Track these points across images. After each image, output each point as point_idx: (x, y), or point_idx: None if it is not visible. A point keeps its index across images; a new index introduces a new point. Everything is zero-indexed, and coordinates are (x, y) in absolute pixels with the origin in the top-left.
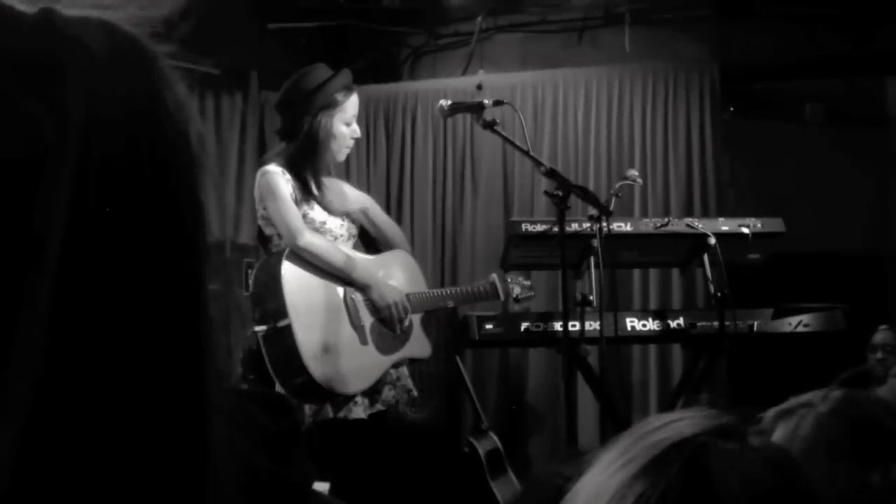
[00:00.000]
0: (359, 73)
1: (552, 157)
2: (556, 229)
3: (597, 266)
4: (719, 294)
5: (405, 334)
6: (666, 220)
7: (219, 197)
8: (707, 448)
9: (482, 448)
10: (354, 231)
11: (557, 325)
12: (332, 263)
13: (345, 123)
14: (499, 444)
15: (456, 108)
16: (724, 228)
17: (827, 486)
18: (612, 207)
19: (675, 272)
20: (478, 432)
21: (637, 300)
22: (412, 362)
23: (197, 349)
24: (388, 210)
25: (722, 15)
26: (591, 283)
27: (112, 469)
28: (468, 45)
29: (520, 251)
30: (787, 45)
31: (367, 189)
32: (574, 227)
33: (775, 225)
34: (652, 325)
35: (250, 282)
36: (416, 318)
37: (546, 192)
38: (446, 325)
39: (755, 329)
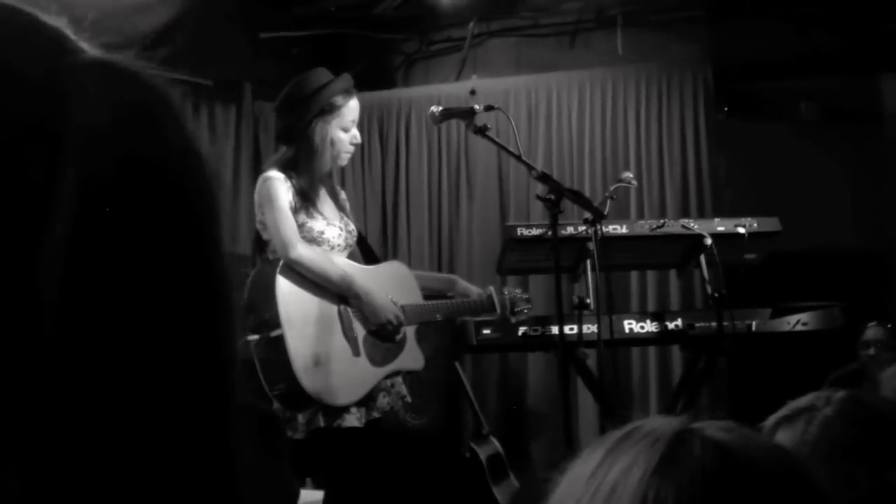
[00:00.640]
0: (356, 81)
1: (547, 161)
2: (551, 233)
3: (593, 269)
4: (716, 294)
5: (398, 346)
6: (661, 221)
7: None
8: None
9: (483, 453)
10: (352, 241)
11: (555, 329)
12: (326, 277)
13: (342, 129)
14: (500, 449)
15: (447, 115)
16: (720, 229)
17: (842, 490)
18: (607, 210)
19: (673, 274)
20: (479, 437)
21: (635, 302)
22: (404, 374)
23: (220, 381)
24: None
25: (714, 15)
26: (588, 286)
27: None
28: (461, 51)
29: (516, 255)
30: (779, 43)
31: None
32: (570, 230)
33: (771, 224)
34: (650, 326)
35: (245, 289)
36: (410, 330)
37: (538, 197)
38: (445, 331)
39: (753, 329)
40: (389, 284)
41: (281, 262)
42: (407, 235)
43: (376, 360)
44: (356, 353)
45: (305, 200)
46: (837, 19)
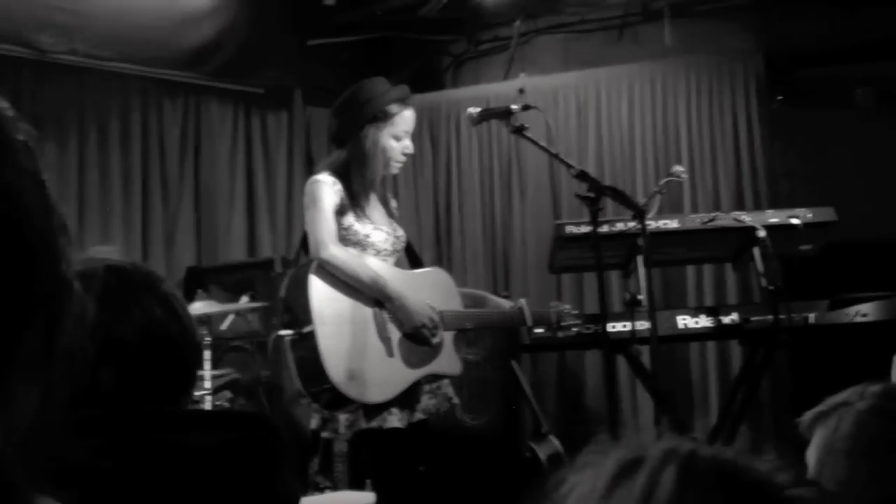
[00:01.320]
0: (402, 84)
1: (598, 157)
2: (600, 230)
3: (644, 265)
4: (772, 287)
5: (435, 350)
6: (713, 215)
7: (270, 213)
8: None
9: (543, 453)
10: (400, 246)
11: (608, 327)
12: (357, 278)
13: (394, 137)
14: (560, 449)
15: (484, 116)
16: (773, 220)
17: (870, 485)
18: (656, 205)
19: (730, 268)
20: (538, 437)
21: (692, 297)
22: (441, 379)
23: None
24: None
25: (763, 2)
26: (640, 282)
27: None
28: (509, 50)
29: (566, 253)
30: (832, 29)
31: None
32: (619, 226)
33: (826, 214)
34: (704, 321)
35: (282, 288)
36: (448, 335)
37: (577, 195)
38: (500, 331)
39: (811, 321)
40: (428, 290)
41: (315, 263)
42: (460, 236)
43: (412, 362)
44: (390, 353)
45: (354, 204)
46: (891, 2)
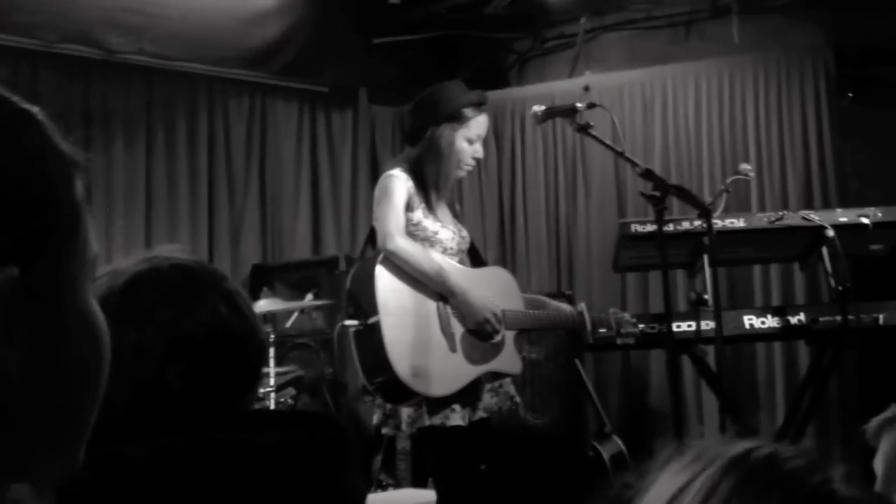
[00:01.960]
0: (467, 82)
1: (664, 155)
2: (665, 229)
3: (710, 264)
4: (841, 287)
5: (496, 348)
6: (780, 213)
7: (335, 212)
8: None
9: (606, 452)
10: (465, 246)
11: (673, 326)
12: (421, 270)
13: (467, 140)
14: (623, 448)
15: (549, 114)
16: (843, 219)
17: None
18: (723, 203)
19: (797, 267)
20: (602, 436)
21: (758, 297)
22: (501, 377)
23: None
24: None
25: None
26: (706, 281)
27: None
28: (574, 47)
29: (630, 252)
30: None
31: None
32: (685, 225)
33: None
34: (771, 322)
35: (348, 280)
36: (509, 335)
37: (642, 194)
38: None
39: (881, 322)
40: (491, 288)
41: (381, 254)
42: (525, 235)
43: (473, 359)
44: (453, 348)
45: (424, 201)
46: None
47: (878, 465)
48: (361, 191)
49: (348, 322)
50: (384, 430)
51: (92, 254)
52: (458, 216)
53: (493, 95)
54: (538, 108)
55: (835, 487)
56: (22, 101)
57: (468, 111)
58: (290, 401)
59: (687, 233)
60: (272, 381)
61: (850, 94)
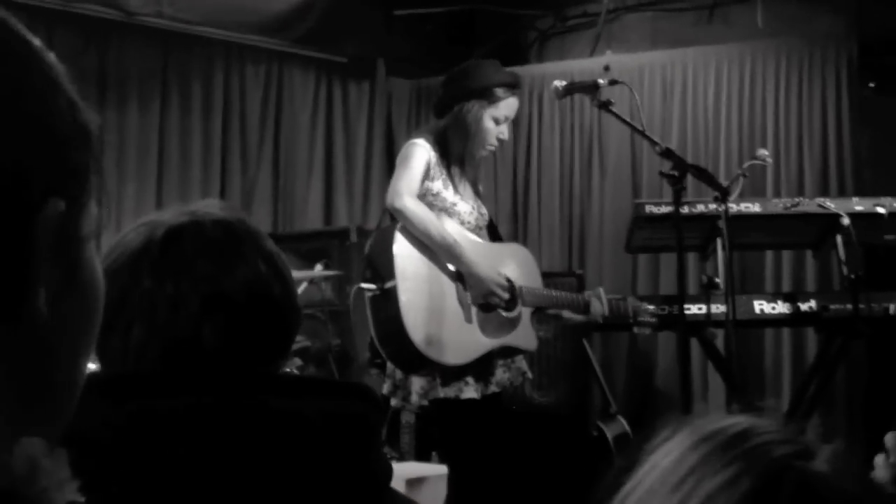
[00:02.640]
0: (486, 58)
1: (682, 138)
2: (680, 210)
3: (723, 248)
4: (853, 276)
5: (512, 323)
6: (796, 200)
7: (347, 183)
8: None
9: (611, 432)
10: (483, 223)
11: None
12: (427, 232)
13: (494, 119)
14: (628, 429)
15: (570, 89)
16: (859, 208)
17: None
18: (740, 187)
19: (810, 254)
20: (606, 416)
21: (769, 283)
22: (516, 353)
23: None
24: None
25: None
26: (718, 265)
27: None
28: (596, 26)
29: (644, 233)
30: None
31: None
32: (700, 208)
33: None
34: (782, 307)
35: (367, 246)
36: (525, 311)
37: (661, 173)
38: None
39: (892, 312)
40: (507, 262)
41: (399, 225)
42: (538, 213)
43: (488, 332)
44: (468, 319)
45: (445, 172)
46: None
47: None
48: (375, 163)
49: (365, 285)
50: (392, 402)
51: (94, 210)
52: (479, 195)
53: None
54: (559, 83)
55: (797, 463)
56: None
57: (499, 91)
58: (295, 371)
59: (701, 215)
60: None
61: (872, 84)
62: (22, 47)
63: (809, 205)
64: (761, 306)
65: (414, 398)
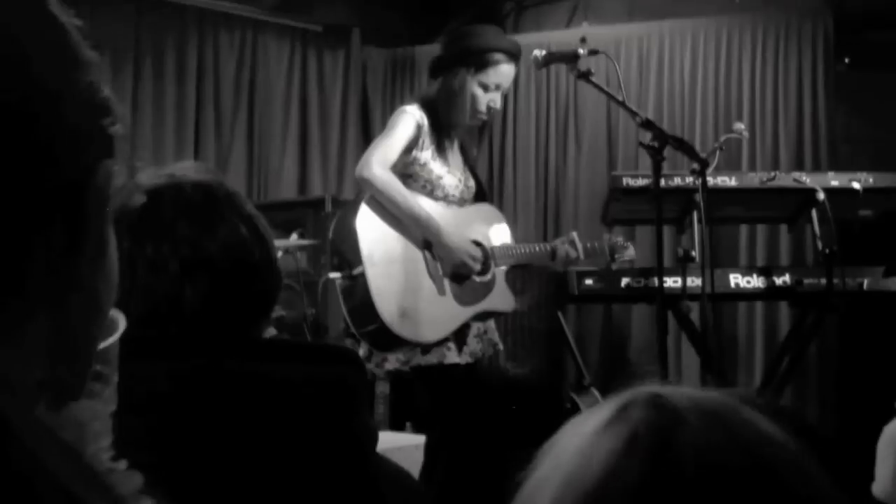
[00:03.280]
0: (461, 27)
1: (658, 111)
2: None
3: (699, 221)
4: (827, 251)
5: (487, 287)
6: (773, 174)
7: (322, 153)
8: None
9: (584, 405)
10: (468, 196)
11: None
12: (394, 202)
13: (482, 86)
14: (601, 401)
15: (550, 59)
16: (834, 183)
17: None
18: (716, 161)
19: (784, 229)
20: (580, 389)
21: (744, 257)
22: (494, 316)
23: None
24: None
25: None
26: (694, 238)
27: None
28: None
29: (621, 206)
30: None
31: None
32: (676, 181)
33: (888, 180)
34: (756, 282)
35: (330, 230)
36: (499, 272)
37: (641, 144)
38: (548, 280)
39: (865, 287)
40: (476, 225)
41: (362, 203)
42: (513, 185)
43: (464, 300)
44: (441, 291)
45: (435, 141)
46: None
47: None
48: (350, 133)
49: (333, 275)
50: (368, 366)
51: None
52: (469, 165)
53: None
54: (539, 52)
55: (661, 430)
56: None
57: (492, 56)
58: None
59: (678, 189)
60: None
61: (847, 59)
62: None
63: (785, 179)
64: (736, 280)
65: (390, 365)
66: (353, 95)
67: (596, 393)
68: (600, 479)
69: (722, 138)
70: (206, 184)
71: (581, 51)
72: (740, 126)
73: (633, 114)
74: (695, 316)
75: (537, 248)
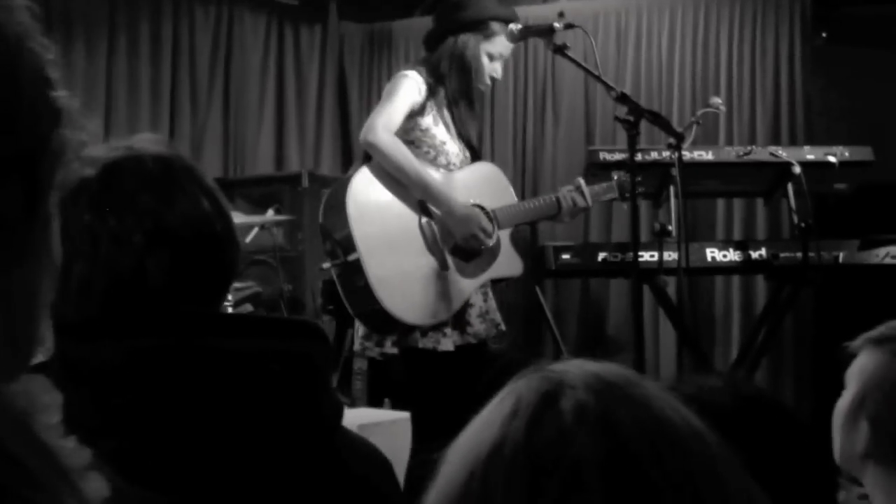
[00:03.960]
0: (439, 2)
1: (635, 85)
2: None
3: (676, 195)
4: (803, 224)
5: (492, 253)
6: (749, 148)
7: (299, 128)
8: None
9: None
10: (467, 165)
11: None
12: (401, 169)
13: (488, 55)
14: None
15: (526, 33)
16: (810, 157)
17: None
18: (692, 135)
19: (761, 203)
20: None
21: (721, 231)
22: (501, 282)
23: None
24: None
25: None
26: (671, 212)
27: None
28: None
29: (598, 180)
30: None
31: None
32: (653, 155)
33: (863, 154)
34: (733, 255)
35: (320, 213)
36: (504, 235)
37: (616, 118)
38: (525, 255)
39: (840, 260)
40: (477, 187)
41: (352, 180)
42: (491, 159)
43: (468, 272)
44: (444, 266)
45: (436, 109)
46: None
47: (850, 379)
48: (327, 108)
49: (326, 265)
50: (361, 346)
51: None
52: (469, 138)
53: None
54: (514, 26)
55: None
56: None
57: (496, 25)
58: None
59: (655, 163)
60: (230, 297)
61: (824, 34)
62: None
63: (761, 153)
64: (713, 254)
65: (388, 345)
66: (330, 70)
67: None
68: (495, 442)
69: (699, 112)
70: (165, 156)
71: (557, 25)
72: (717, 100)
73: (609, 88)
74: (672, 290)
75: (541, 202)
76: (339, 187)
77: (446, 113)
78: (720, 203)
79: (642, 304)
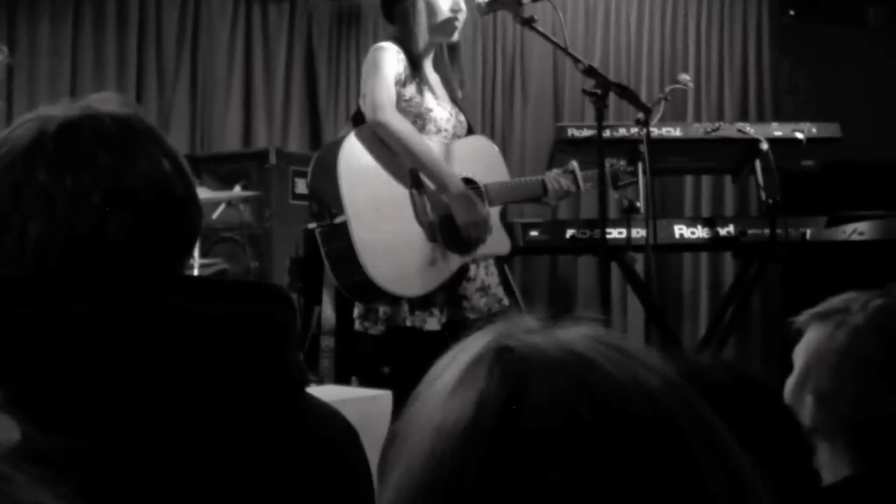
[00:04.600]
0: None
1: (604, 61)
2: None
3: (644, 172)
4: (771, 201)
5: None
6: (717, 125)
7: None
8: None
9: None
10: (461, 131)
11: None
12: (409, 148)
13: (446, 7)
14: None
15: (493, 6)
16: (778, 133)
17: (850, 405)
18: (660, 111)
19: (729, 180)
20: None
21: (689, 208)
22: (487, 259)
23: None
24: None
25: None
26: (639, 189)
27: None
28: None
29: (566, 157)
30: None
31: None
32: (622, 131)
33: (831, 130)
34: (701, 232)
35: (308, 174)
36: (494, 212)
37: (584, 91)
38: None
39: (808, 237)
40: (468, 161)
41: (345, 141)
42: None
43: (454, 247)
44: (431, 237)
45: (416, 74)
46: None
47: (798, 356)
48: (295, 85)
49: (311, 225)
50: (365, 325)
51: None
52: (456, 98)
53: None
54: (482, 0)
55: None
56: None
57: None
58: None
59: (623, 139)
60: (197, 273)
61: (792, 12)
62: None
63: (729, 129)
64: (681, 231)
65: (379, 324)
66: (299, 48)
67: None
68: (455, 453)
69: (667, 89)
70: (124, 115)
71: None
72: (685, 77)
73: (577, 60)
74: (640, 267)
75: (529, 181)
76: (331, 148)
77: (431, 78)
78: (688, 180)
79: (610, 280)
